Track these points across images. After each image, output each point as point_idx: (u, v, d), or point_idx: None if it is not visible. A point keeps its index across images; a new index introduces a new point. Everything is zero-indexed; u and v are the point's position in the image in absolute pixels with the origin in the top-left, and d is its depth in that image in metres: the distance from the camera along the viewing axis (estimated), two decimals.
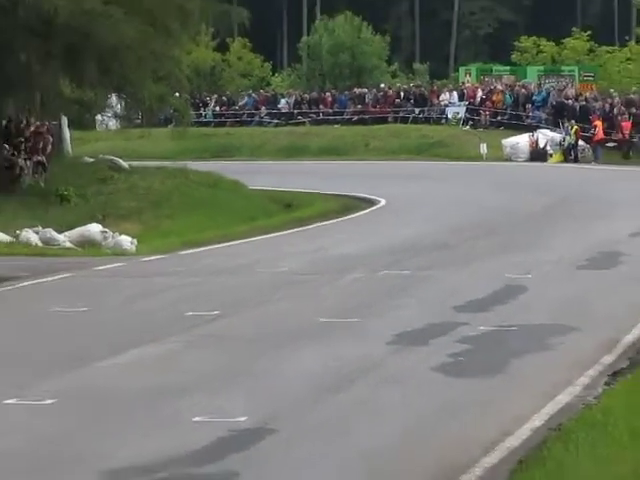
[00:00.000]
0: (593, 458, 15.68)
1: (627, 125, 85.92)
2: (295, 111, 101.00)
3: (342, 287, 34.49)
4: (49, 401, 21.58)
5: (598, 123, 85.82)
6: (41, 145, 60.63)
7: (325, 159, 77.01)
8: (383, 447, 18.47)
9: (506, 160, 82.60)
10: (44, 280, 37.06)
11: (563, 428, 19.00)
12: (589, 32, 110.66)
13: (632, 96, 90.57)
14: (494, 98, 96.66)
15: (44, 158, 60.32)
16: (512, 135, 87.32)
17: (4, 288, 35.78)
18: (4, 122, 56.31)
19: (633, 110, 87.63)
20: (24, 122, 59.40)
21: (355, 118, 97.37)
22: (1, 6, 49.86)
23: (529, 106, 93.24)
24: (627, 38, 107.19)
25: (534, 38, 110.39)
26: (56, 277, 37.70)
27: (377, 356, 25.19)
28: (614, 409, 19.03)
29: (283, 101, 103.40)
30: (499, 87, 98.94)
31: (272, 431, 19.41)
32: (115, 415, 20.67)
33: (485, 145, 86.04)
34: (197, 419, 19.92)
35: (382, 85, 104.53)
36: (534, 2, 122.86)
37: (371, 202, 58.88)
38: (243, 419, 19.91)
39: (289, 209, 56.17)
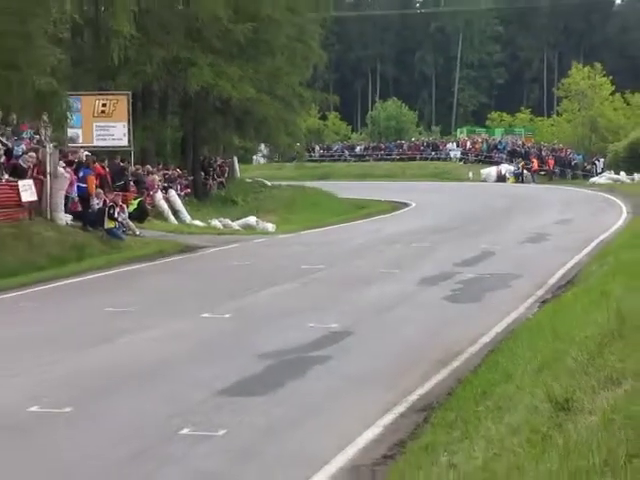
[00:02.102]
0: (531, 349, 15.70)
1: (551, 162, 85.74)
2: (365, 153, 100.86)
3: (390, 252, 34.57)
4: (227, 315, 21.78)
5: (534, 160, 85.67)
6: (221, 171, 60.98)
7: (381, 181, 76.62)
8: (414, 340, 18.89)
9: (483, 181, 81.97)
10: (224, 248, 37.26)
11: (513, 332, 19.08)
12: (530, 109, 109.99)
13: (554, 146, 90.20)
14: (476, 146, 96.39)
15: (224, 179, 60.47)
16: (486, 167, 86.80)
17: (201, 252, 36.03)
18: (201, 159, 56.53)
19: (555, 154, 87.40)
20: (213, 159, 59.62)
21: (398, 157, 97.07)
22: (199, 94, 49.93)
23: (496, 151, 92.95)
24: (552, 112, 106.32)
25: (499, 112, 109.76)
26: (230, 246, 37.94)
27: (410, 291, 25.40)
28: (543, 321, 19.03)
29: (358, 148, 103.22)
30: (479, 140, 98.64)
31: (351, 333, 19.67)
32: (265, 323, 20.91)
33: (471, 173, 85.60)
34: (310, 325, 20.13)
35: (413, 139, 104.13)
36: (499, 92, 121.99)
37: (407, 204, 58.66)
38: (335, 325, 20.16)
39: (361, 209, 55.94)
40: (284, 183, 70.05)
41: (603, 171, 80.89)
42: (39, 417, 13.70)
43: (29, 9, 30.26)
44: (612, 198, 58.15)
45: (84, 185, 36.93)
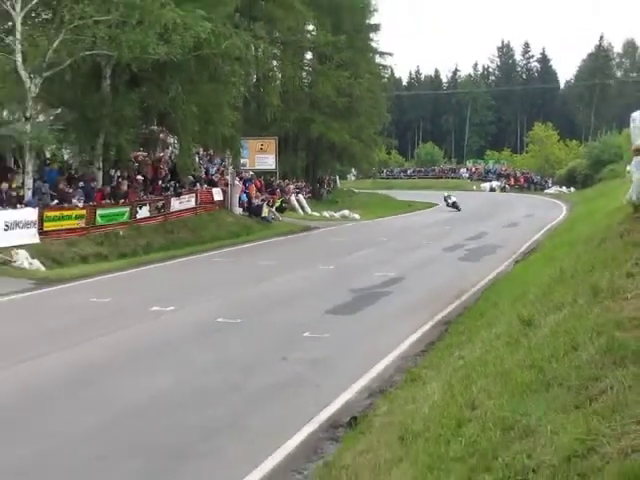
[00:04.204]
0: (509, 289, 15.55)
1: (522, 180, 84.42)
2: (413, 174, 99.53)
3: (426, 231, 33.93)
4: (331, 267, 21.74)
5: (512, 179, 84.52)
6: (328, 184, 60.82)
7: (422, 189, 75.58)
8: (440, 283, 18.56)
9: (482, 191, 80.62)
10: (329, 228, 36.99)
11: (497, 279, 18.88)
12: (510, 149, 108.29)
13: (523, 171, 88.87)
14: (478, 170, 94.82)
15: (330, 189, 60.20)
16: (484, 183, 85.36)
17: (316, 231, 35.73)
18: (318, 177, 56.33)
19: (524, 175, 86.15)
20: (324, 177, 59.24)
21: (432, 176, 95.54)
22: (316, 139, 50.00)
23: (489, 173, 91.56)
24: (522, 151, 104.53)
25: (492, 151, 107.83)
26: (333, 227, 37.68)
27: (438, 255, 24.93)
28: (516, 273, 18.78)
29: (409, 170, 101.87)
30: (479, 167, 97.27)
31: (403, 278, 19.50)
32: (353, 272, 20.76)
33: (475, 186, 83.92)
34: (376, 274, 19.98)
35: (441, 165, 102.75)
36: (492, 139, 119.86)
37: (436, 204, 57.68)
38: (393, 274, 19.99)
39: (409, 206, 55.16)
40: (365, 191, 69.68)
41: (552, 186, 79.94)
42: (223, 325, 13.87)
43: (220, 91, 30.53)
44: (558, 202, 57.15)
45: (247, 191, 37.45)
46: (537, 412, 5.58)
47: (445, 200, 51.93)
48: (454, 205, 50.35)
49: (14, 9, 23.66)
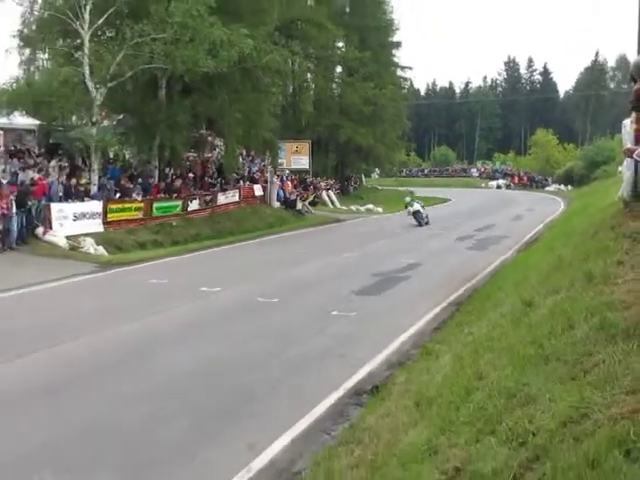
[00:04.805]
0: (512, 274, 15.42)
1: (525, 179, 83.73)
2: (429, 173, 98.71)
3: (441, 223, 33.77)
4: (357, 254, 21.64)
5: (516, 178, 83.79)
6: (355, 181, 60.50)
7: (438, 187, 74.85)
8: (452, 269, 18.39)
9: (489, 188, 79.91)
10: (356, 220, 36.90)
11: (504, 264, 18.72)
12: (515, 151, 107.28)
13: (527, 171, 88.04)
14: (486, 170, 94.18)
15: (357, 186, 59.87)
16: (491, 181, 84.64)
17: (344, 223, 35.66)
18: (346, 175, 56.08)
19: (527, 174, 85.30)
20: (351, 175, 58.86)
21: (446, 175, 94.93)
22: (345, 142, 49.83)
23: (496, 173, 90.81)
24: (526, 154, 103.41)
25: (498, 153, 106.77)
26: (359, 219, 37.57)
27: (450, 244, 24.76)
28: (520, 259, 18.60)
29: (426, 170, 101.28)
30: (488, 167, 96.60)
31: (420, 264, 19.35)
32: (376, 258, 20.66)
33: (483, 184, 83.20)
34: (401, 260, 19.91)
35: (454, 166, 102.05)
36: (498, 143, 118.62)
37: (449, 200, 57.37)
38: (412, 260, 19.85)
39: (426, 201, 54.57)
40: (387, 188, 69.32)
41: (552, 184, 79.13)
42: (262, 303, 13.90)
43: (261, 100, 30.62)
44: (556, 198, 56.47)
45: (284, 188, 37.43)
46: (537, 383, 5.56)
47: (405, 207, 33.77)
48: (416, 216, 32.04)
49: (83, 28, 24.11)
